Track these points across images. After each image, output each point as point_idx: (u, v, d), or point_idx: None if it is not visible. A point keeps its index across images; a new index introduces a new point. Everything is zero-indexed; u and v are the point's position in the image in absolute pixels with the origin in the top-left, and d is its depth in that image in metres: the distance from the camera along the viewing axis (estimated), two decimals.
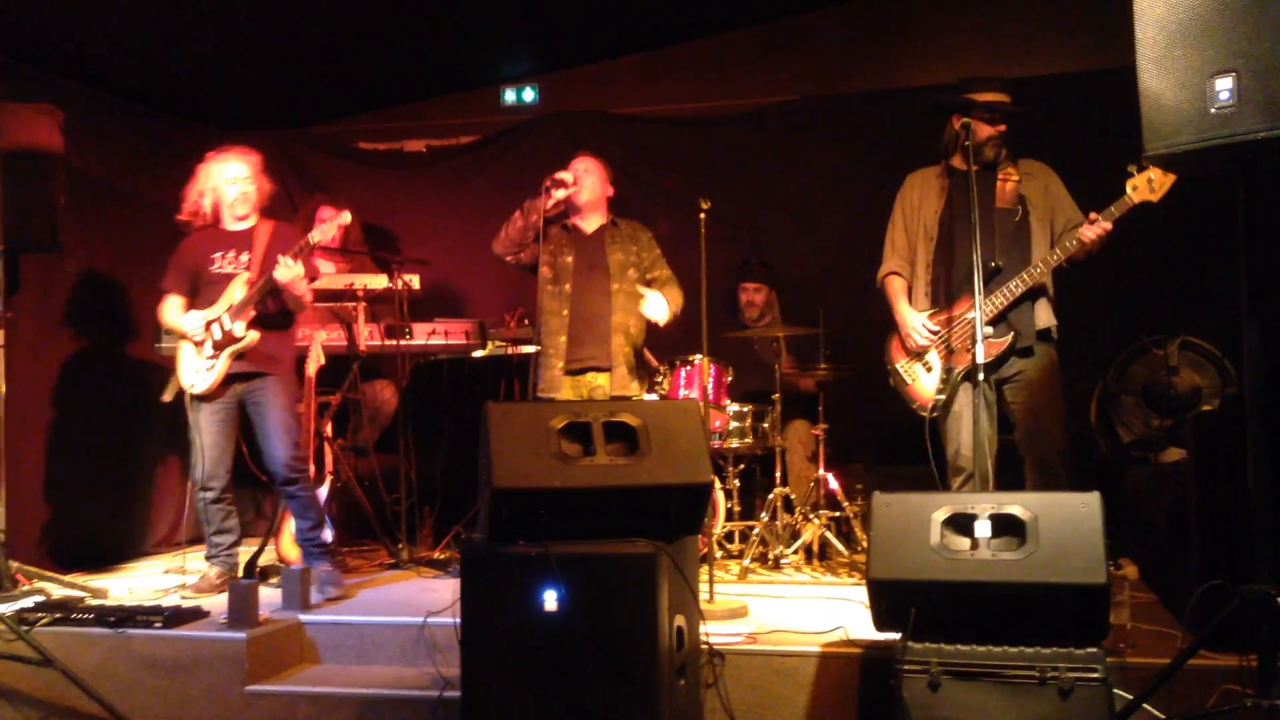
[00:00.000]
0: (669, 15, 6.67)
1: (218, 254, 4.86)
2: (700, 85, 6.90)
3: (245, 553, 5.06)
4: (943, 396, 4.52)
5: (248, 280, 4.75)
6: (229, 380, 4.77)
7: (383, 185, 7.22)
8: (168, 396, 4.97)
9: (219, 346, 4.71)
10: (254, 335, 4.73)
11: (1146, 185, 4.07)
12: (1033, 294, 4.43)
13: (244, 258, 4.84)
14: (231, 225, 4.90)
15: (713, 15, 6.69)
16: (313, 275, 5.94)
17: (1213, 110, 2.67)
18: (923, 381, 4.61)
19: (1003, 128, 4.49)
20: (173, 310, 4.87)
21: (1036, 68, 6.12)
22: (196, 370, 4.75)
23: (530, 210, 4.92)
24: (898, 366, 4.70)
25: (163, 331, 5.51)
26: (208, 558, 4.94)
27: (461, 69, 7.04)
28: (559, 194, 4.95)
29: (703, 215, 4.42)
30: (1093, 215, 4.26)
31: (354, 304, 5.71)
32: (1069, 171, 4.66)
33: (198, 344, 4.76)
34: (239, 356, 4.74)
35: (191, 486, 4.90)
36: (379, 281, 5.76)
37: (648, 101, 6.99)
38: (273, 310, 4.83)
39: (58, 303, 5.79)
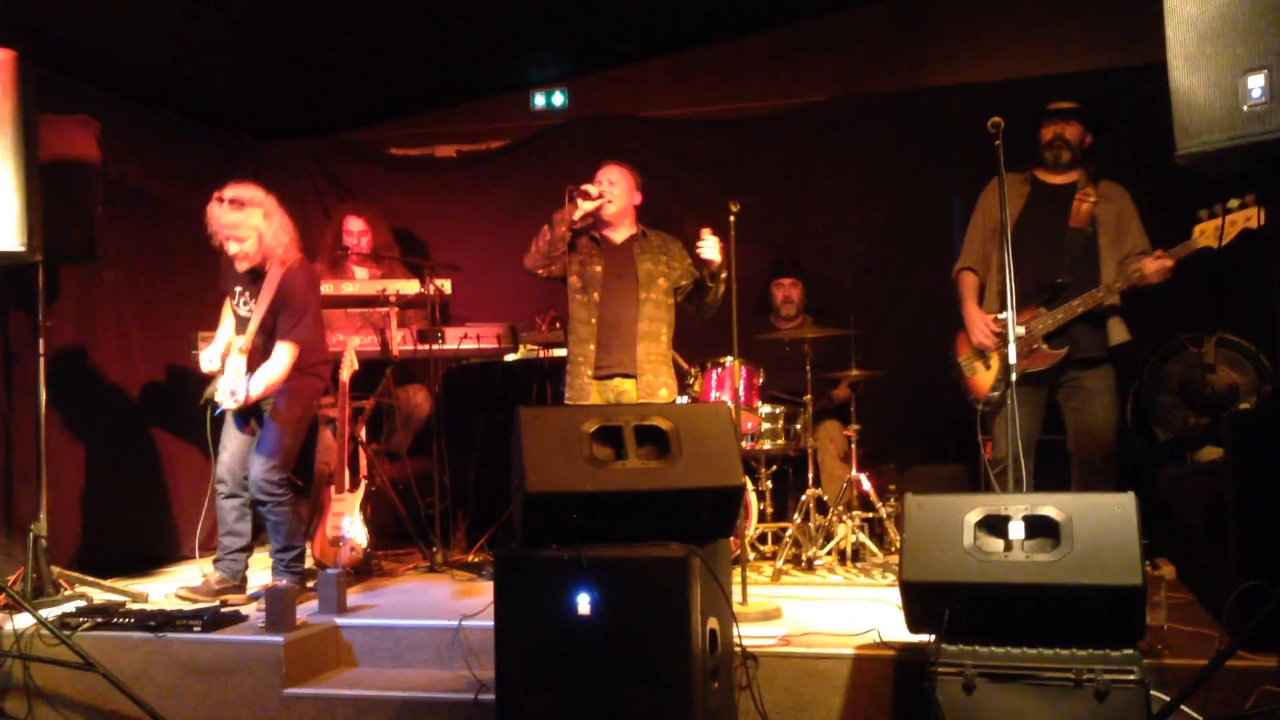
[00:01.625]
0: (698, 17, 6.67)
1: (239, 288, 4.86)
2: (730, 87, 6.90)
3: (254, 561, 5.09)
4: (996, 393, 4.72)
5: (240, 349, 4.73)
6: None
7: (414, 191, 7.26)
8: (206, 397, 4.94)
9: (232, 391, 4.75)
10: (254, 398, 4.74)
11: (1215, 232, 4.12)
12: (1102, 313, 4.58)
13: (252, 305, 4.80)
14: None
15: (742, 17, 6.68)
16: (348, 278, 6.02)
17: (1245, 108, 2.65)
18: (981, 376, 4.82)
19: (1062, 129, 4.68)
20: (224, 315, 4.95)
21: (1067, 65, 6.07)
22: (226, 389, 4.77)
23: (558, 222, 4.89)
24: (961, 360, 4.90)
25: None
26: (215, 560, 4.92)
27: (491, 74, 7.06)
28: (586, 205, 4.92)
29: (732, 218, 4.41)
30: (1158, 252, 4.40)
31: (386, 309, 5.76)
32: (1100, 169, 4.67)
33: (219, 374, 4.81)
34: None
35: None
36: (411, 286, 5.80)
37: (677, 104, 6.99)
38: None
39: (96, 311, 5.86)
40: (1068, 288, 4.55)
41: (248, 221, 4.70)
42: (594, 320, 4.98)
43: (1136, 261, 4.46)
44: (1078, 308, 4.51)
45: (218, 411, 4.83)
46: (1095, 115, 4.76)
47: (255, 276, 4.82)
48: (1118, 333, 4.62)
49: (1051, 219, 4.63)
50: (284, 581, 4.74)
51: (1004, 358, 4.57)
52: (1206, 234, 4.16)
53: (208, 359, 4.84)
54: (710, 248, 4.74)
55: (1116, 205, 4.67)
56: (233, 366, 4.74)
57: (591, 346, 4.96)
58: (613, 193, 5.03)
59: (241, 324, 4.82)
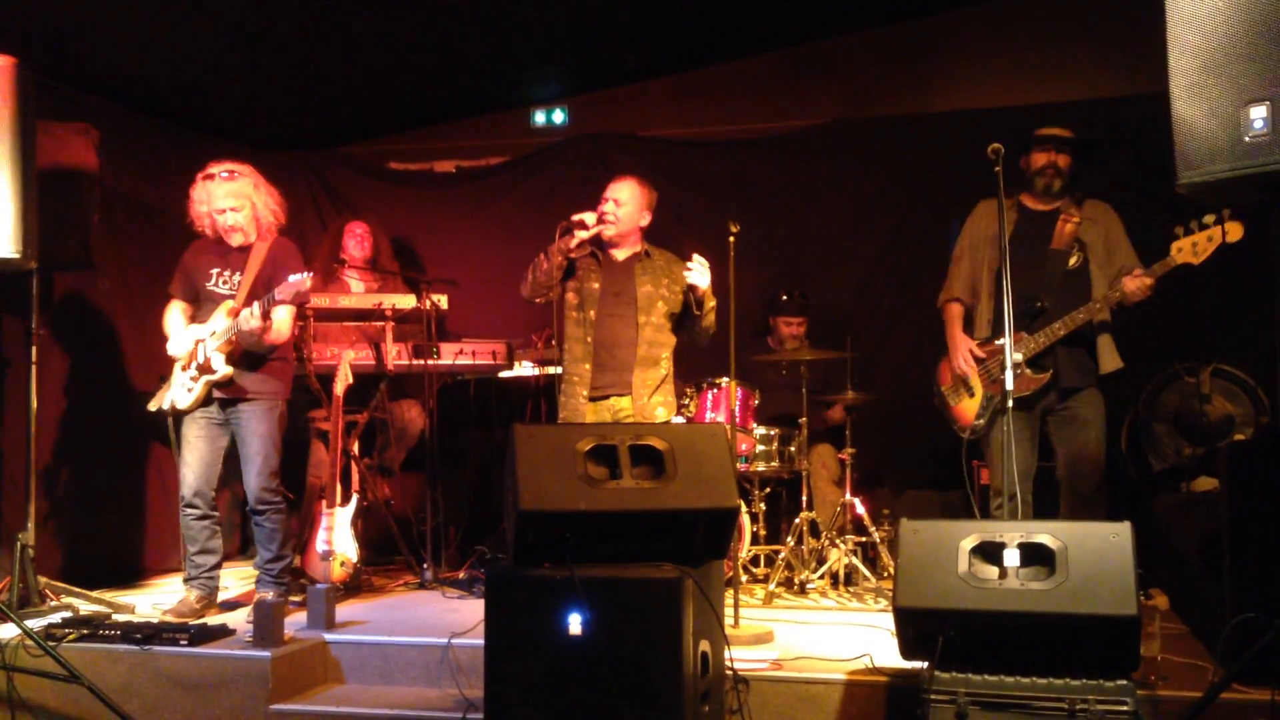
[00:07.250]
0: (700, 38, 6.69)
1: (215, 270, 4.81)
2: (731, 108, 6.91)
3: (228, 573, 5.01)
4: (981, 421, 4.67)
5: (230, 310, 4.69)
6: (216, 398, 4.74)
7: (412, 205, 7.26)
8: (153, 406, 4.91)
9: (201, 370, 4.69)
10: (228, 371, 4.66)
11: (1191, 249, 4.12)
12: (1092, 334, 4.50)
13: (236, 279, 4.78)
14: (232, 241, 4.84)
15: (744, 38, 6.70)
16: (342, 291, 6.01)
17: (1246, 139, 2.65)
18: (965, 405, 4.76)
19: (1055, 158, 4.58)
20: (173, 317, 4.87)
21: (1070, 93, 6.09)
22: (182, 386, 4.74)
23: (554, 253, 4.71)
24: (944, 389, 4.85)
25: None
26: (187, 579, 4.81)
27: (492, 90, 7.08)
28: (581, 234, 4.71)
29: (732, 239, 4.39)
30: (1137, 271, 4.33)
31: (382, 323, 5.74)
32: (1101, 196, 4.67)
33: (183, 366, 4.76)
34: (220, 385, 4.71)
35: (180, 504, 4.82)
36: (407, 301, 5.78)
37: (678, 124, 7.00)
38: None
39: (90, 320, 5.83)
40: (1047, 311, 4.47)
41: (244, 191, 4.76)
42: (589, 339, 4.78)
43: (1119, 280, 4.39)
44: (1059, 330, 4.41)
45: (179, 403, 4.74)
46: (1084, 144, 4.69)
47: (228, 252, 4.82)
48: (1109, 359, 4.51)
49: (1035, 243, 4.55)
50: (271, 594, 4.71)
51: (989, 384, 4.60)
52: (1184, 251, 4.12)
53: (179, 347, 4.77)
54: (698, 273, 4.59)
55: (1103, 226, 4.60)
56: (199, 357, 4.71)
57: (587, 366, 4.77)
58: (618, 213, 4.79)
59: (217, 303, 4.76)
